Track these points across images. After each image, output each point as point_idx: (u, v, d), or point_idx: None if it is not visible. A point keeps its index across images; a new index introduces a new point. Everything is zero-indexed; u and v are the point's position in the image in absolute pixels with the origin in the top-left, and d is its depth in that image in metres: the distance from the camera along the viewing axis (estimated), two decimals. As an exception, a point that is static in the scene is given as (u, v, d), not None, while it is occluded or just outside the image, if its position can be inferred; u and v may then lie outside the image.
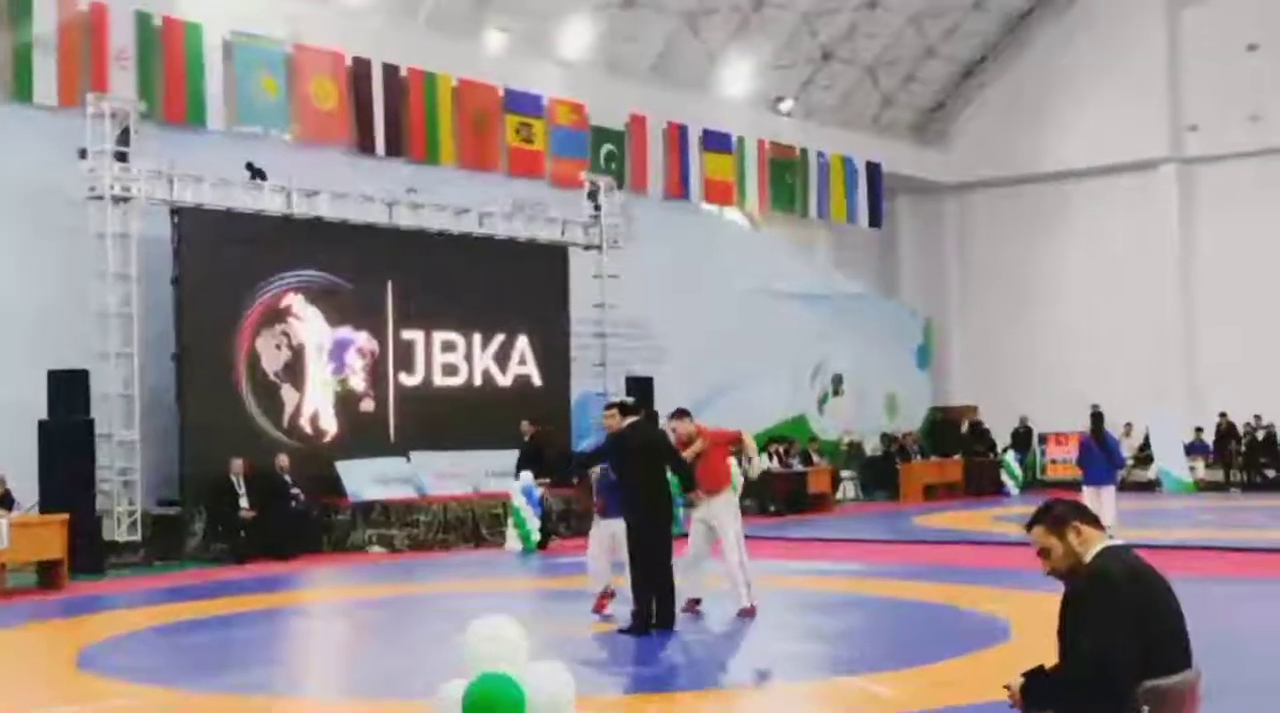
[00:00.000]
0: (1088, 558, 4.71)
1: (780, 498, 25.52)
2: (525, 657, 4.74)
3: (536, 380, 23.81)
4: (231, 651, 11.52)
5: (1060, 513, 4.82)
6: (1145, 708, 4.38)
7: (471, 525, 20.86)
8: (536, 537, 19.79)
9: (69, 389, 17.76)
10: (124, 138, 18.71)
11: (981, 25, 34.03)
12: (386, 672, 10.40)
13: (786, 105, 31.17)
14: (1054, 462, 31.30)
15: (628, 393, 24.57)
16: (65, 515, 16.06)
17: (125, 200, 18.82)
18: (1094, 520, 4.83)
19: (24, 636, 12.75)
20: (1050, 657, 4.81)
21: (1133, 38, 32.80)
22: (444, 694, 4.68)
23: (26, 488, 17.10)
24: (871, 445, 31.80)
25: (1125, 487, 23.98)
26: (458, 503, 20.96)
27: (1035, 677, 4.68)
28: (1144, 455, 30.68)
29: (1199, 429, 31.14)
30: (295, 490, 19.64)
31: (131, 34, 20.19)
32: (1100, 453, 18.38)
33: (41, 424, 17.63)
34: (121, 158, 18.69)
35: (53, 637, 12.71)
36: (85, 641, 11.92)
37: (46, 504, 16.98)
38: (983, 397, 34.43)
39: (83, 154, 18.51)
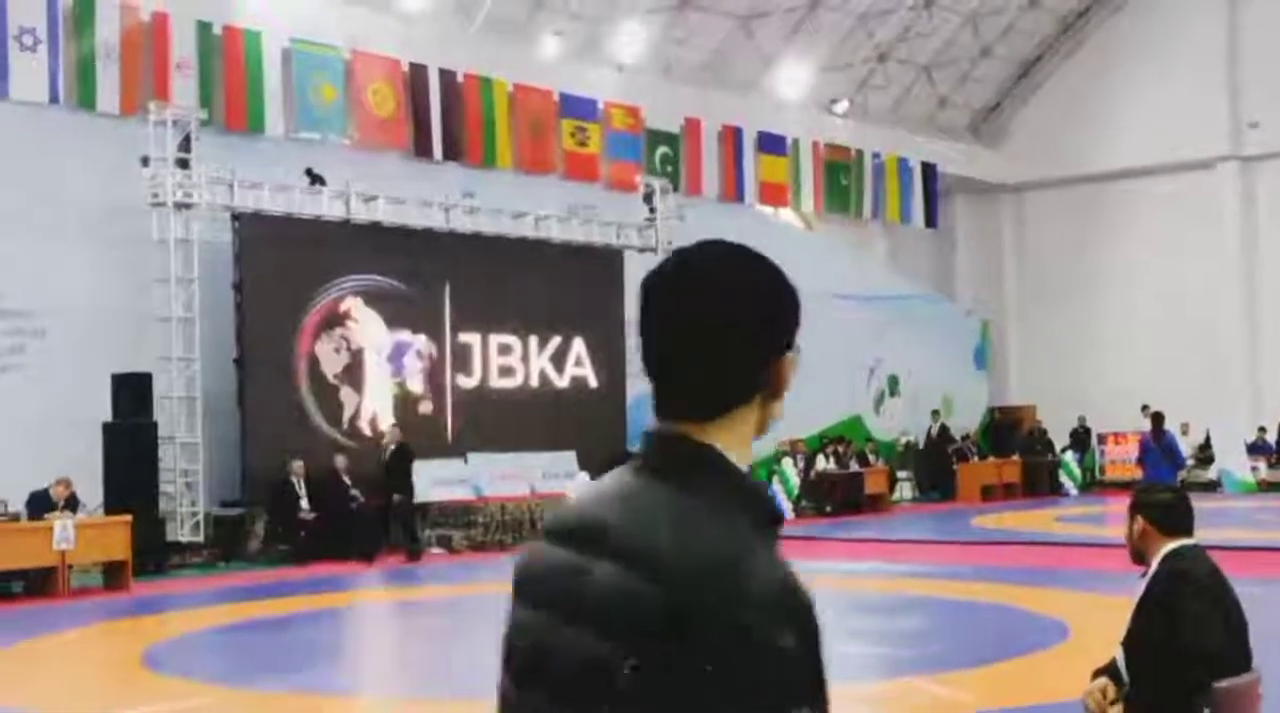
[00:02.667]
0: (1153, 554, 4.71)
1: (837, 499, 25.46)
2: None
3: (592, 383, 23.89)
4: (294, 651, 11.64)
5: (1138, 500, 4.85)
6: (1206, 710, 4.37)
7: (528, 526, 20.95)
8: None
9: (132, 393, 18.01)
10: (185, 145, 18.96)
11: (1037, 24, 33.80)
12: (447, 672, 10.49)
13: (841, 106, 31.08)
14: (1113, 462, 31.01)
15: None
16: (129, 517, 16.29)
17: (187, 206, 19.06)
18: (1173, 524, 4.76)
19: (91, 635, 12.95)
20: (1108, 658, 4.81)
21: (1191, 33, 32.47)
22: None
23: (91, 490, 17.35)
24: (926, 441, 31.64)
25: (1185, 487, 23.70)
26: (514, 504, 21.07)
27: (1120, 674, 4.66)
28: (1205, 456, 30.35)
29: (1262, 429, 30.75)
30: (354, 492, 19.80)
31: (192, 42, 20.45)
32: (1160, 453, 18.22)
33: (106, 427, 17.89)
34: (183, 164, 18.94)
35: (119, 637, 12.91)
36: (151, 640, 12.09)
37: (111, 506, 17.23)
38: (1040, 397, 34.17)
39: (145, 161, 18.79)
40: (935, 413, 30.72)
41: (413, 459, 20.02)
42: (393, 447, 20.05)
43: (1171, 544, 4.71)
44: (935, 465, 30.24)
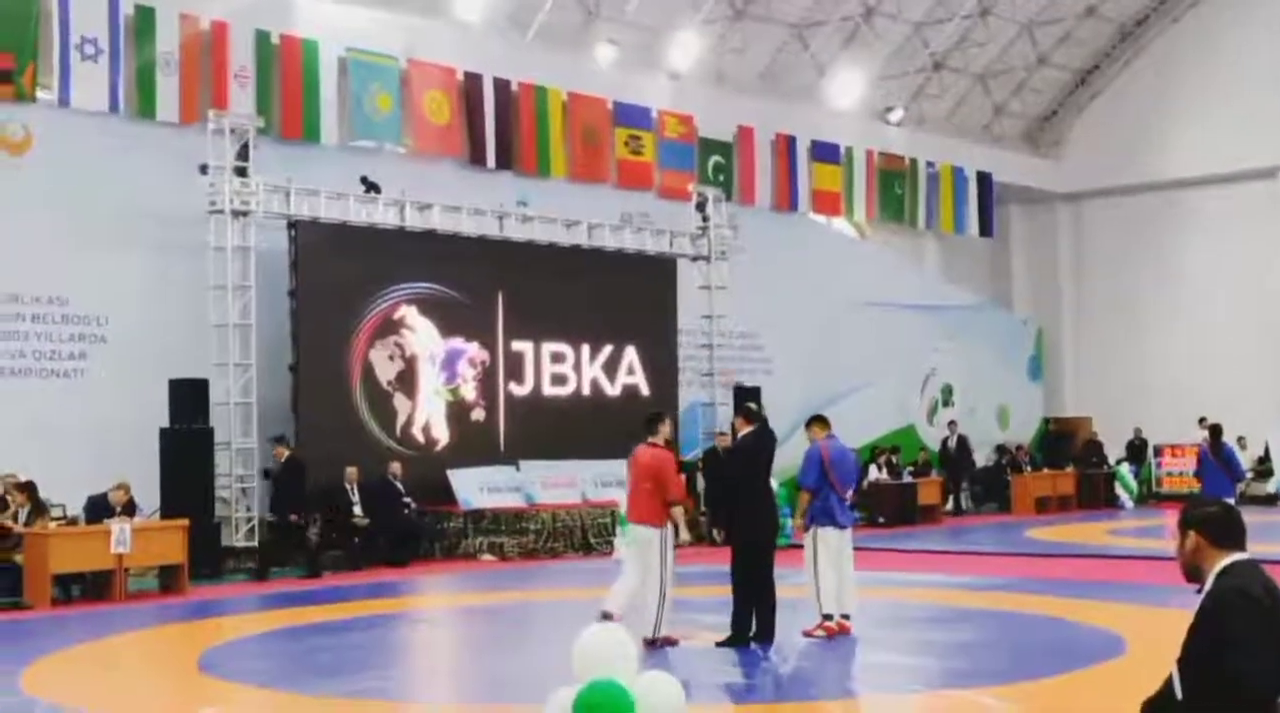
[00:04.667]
0: (1208, 570, 4.64)
1: (889, 509, 25.31)
2: (635, 665, 4.79)
3: (644, 391, 23.89)
4: (348, 656, 11.70)
5: (1187, 516, 4.77)
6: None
7: (580, 535, 20.99)
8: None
9: (189, 398, 18.20)
10: (243, 153, 19.14)
11: (1094, 33, 33.52)
12: (498, 678, 10.52)
13: (896, 115, 30.94)
14: (1170, 475, 30.68)
15: (735, 404, 24.57)
16: (185, 522, 16.44)
17: (244, 214, 19.23)
18: (1225, 538, 4.69)
19: (147, 639, 13.08)
20: (1164, 673, 4.74)
21: (1251, 41, 32.07)
22: (555, 701, 4.73)
23: (148, 495, 17.55)
24: (983, 457, 31.42)
25: (1243, 500, 23.44)
26: (566, 512, 21.10)
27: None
28: (1264, 469, 29.97)
29: (1323, 442, 30.33)
30: (407, 499, 19.89)
31: (250, 52, 20.65)
32: (1217, 466, 18.00)
33: (163, 432, 18.07)
34: (241, 172, 19.12)
35: (175, 640, 13.02)
36: (206, 644, 12.19)
37: (167, 511, 17.40)
38: (1096, 408, 33.88)
39: (203, 169, 18.99)
40: (952, 424, 30.22)
41: (304, 474, 18.65)
42: (282, 461, 18.70)
43: (1226, 560, 4.64)
44: (991, 477, 30.03)
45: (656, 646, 11.10)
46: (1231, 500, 17.99)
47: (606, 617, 11.00)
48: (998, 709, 8.67)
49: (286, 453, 18.73)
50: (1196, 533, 4.69)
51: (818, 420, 12.48)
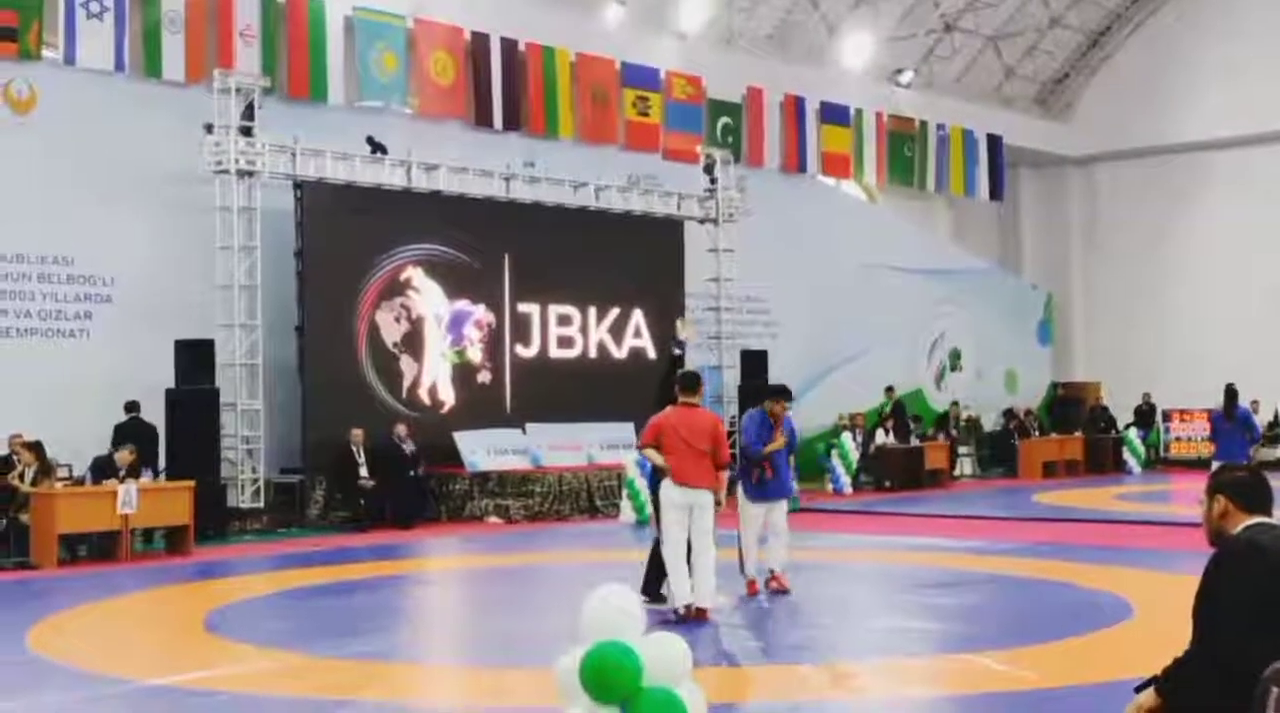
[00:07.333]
0: (1231, 532, 4.60)
1: (897, 474, 25.27)
2: (642, 627, 4.74)
3: (651, 354, 23.83)
4: (354, 617, 11.70)
5: (1216, 480, 4.74)
6: (1275, 690, 4.25)
7: (586, 497, 20.98)
8: (650, 509, 19.79)
9: (195, 359, 18.16)
10: (248, 113, 19.04)
11: (1107, -7, 33.28)
12: (504, 640, 10.50)
13: (906, 77, 30.75)
14: (1178, 440, 30.61)
15: (743, 367, 24.55)
16: (191, 483, 16.43)
17: (250, 174, 19.15)
18: (1252, 502, 4.66)
19: (153, 599, 13.09)
20: (1172, 637, 4.70)
21: (1265, 1, 31.79)
22: (562, 663, 4.70)
23: (154, 455, 17.54)
24: (990, 421, 31.36)
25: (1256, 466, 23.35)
26: (572, 475, 21.08)
27: (1165, 683, 4.55)
28: (1275, 434, 29.87)
29: (1336, 406, 30.21)
30: (412, 453, 19.81)
31: (256, 11, 20.50)
32: (1230, 429, 17.87)
33: (169, 393, 18.05)
34: (246, 132, 19.02)
35: (181, 601, 13.03)
36: (212, 605, 12.20)
37: (173, 472, 17.40)
38: (1105, 373, 33.80)
39: (209, 129, 18.90)
40: (889, 389, 28.36)
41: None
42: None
43: (1249, 521, 4.61)
44: (998, 442, 29.95)
45: (704, 615, 10.73)
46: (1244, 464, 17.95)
47: (702, 613, 10.69)
48: (1004, 673, 8.65)
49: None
50: (1226, 497, 4.67)
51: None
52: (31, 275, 18.50)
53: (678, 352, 20.63)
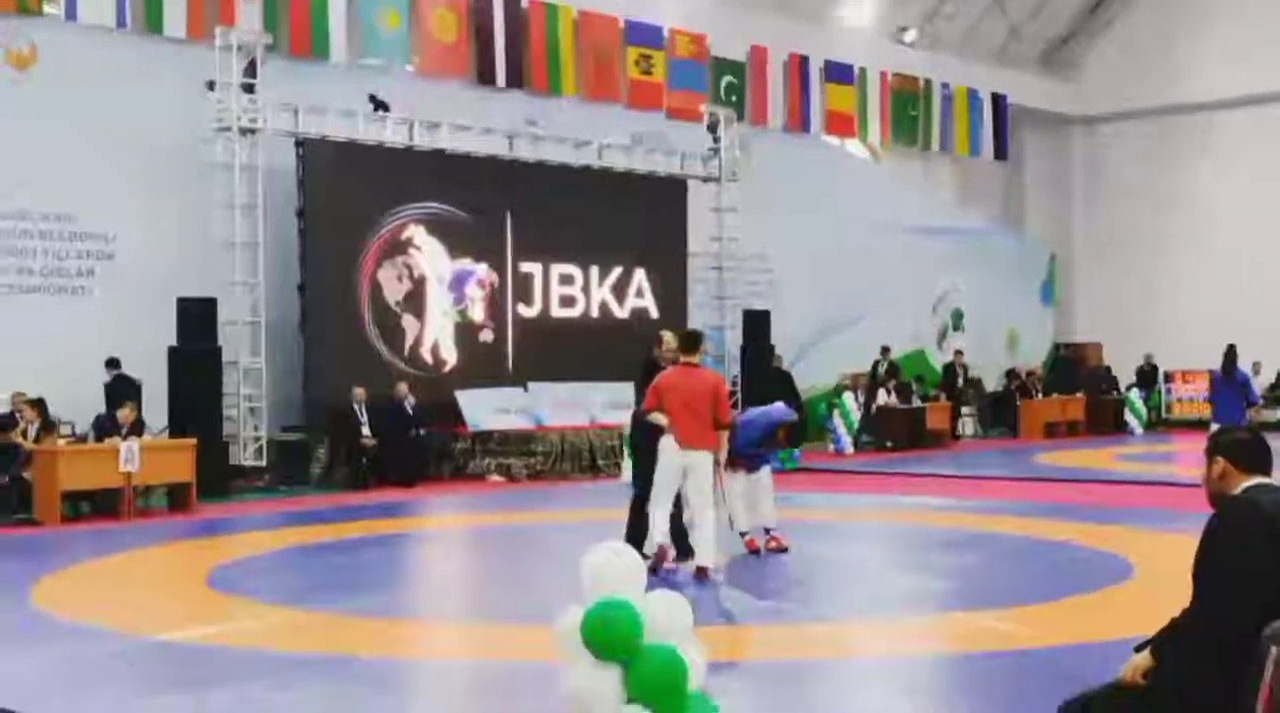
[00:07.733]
0: (1231, 492, 4.62)
1: (898, 434, 25.30)
2: (643, 585, 4.77)
3: (653, 313, 23.80)
4: (356, 574, 11.75)
5: (1215, 442, 4.75)
6: (1275, 649, 4.27)
7: (588, 456, 21.02)
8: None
9: (197, 318, 18.16)
10: (251, 70, 18.97)
11: (1114, -48, 33.05)
12: (506, 597, 10.55)
13: (910, 36, 30.58)
14: (1180, 401, 30.63)
15: (745, 328, 24.54)
16: (193, 441, 16.47)
17: (252, 132, 19.10)
18: (1252, 462, 4.67)
19: (156, 556, 13.13)
20: (1172, 597, 4.72)
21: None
22: (563, 620, 4.72)
23: (156, 413, 17.58)
24: (993, 382, 31.36)
25: (1256, 428, 23.37)
26: (574, 434, 21.12)
27: (1160, 645, 4.57)
28: (1276, 396, 29.88)
29: (1338, 368, 30.20)
30: (414, 411, 19.83)
31: (257, -34, 20.40)
32: (1229, 390, 17.88)
33: (171, 351, 18.06)
34: (248, 90, 18.96)
35: (184, 558, 13.08)
36: (215, 562, 12.25)
37: (176, 430, 17.43)
38: (1108, 334, 33.77)
39: (211, 86, 18.83)
40: (958, 353, 29.97)
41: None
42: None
43: (1249, 482, 4.63)
44: (1000, 402, 29.95)
45: (704, 574, 10.71)
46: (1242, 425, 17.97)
47: (701, 572, 10.71)
48: (1004, 632, 8.69)
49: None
50: (1225, 459, 4.68)
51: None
52: (34, 232, 18.49)
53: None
